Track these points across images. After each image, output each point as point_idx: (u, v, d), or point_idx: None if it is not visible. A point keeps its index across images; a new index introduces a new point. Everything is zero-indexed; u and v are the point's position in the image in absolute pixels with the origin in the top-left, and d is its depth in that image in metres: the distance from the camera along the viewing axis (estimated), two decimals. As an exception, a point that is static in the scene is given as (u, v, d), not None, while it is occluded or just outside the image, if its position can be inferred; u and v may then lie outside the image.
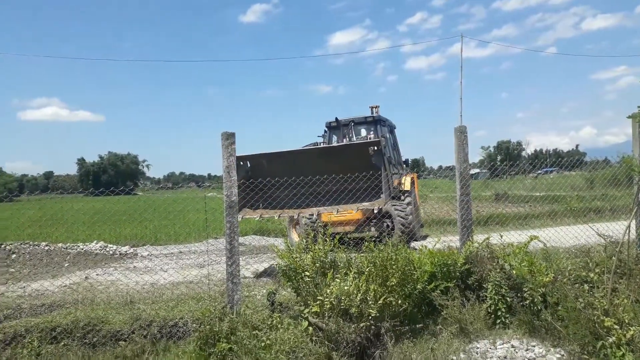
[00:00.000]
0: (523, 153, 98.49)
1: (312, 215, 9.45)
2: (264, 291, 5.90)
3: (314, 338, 4.38)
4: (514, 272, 4.87)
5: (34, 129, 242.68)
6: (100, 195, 6.65)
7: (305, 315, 4.59)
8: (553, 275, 4.57)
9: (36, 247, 11.05)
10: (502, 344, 4.42)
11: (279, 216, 8.23)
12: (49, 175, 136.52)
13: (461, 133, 5.73)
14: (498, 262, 5.08)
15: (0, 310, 6.12)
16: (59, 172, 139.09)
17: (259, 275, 8.05)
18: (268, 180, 6.97)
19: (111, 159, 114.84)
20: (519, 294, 4.77)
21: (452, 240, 6.05)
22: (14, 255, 10.43)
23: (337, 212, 7.88)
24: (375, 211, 8.27)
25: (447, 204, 18.05)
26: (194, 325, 5.20)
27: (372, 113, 12.23)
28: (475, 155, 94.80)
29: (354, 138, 11.49)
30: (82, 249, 11.27)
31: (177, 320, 5.47)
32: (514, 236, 6.62)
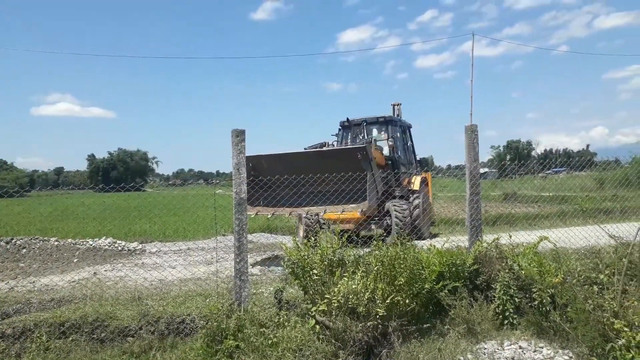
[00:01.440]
0: (533, 153, 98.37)
1: (316, 213, 9.56)
2: (272, 289, 5.90)
3: (320, 336, 4.38)
4: (523, 272, 4.84)
5: (46, 125, 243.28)
6: (110, 192, 6.68)
7: (313, 314, 4.59)
8: (562, 276, 4.54)
9: (46, 242, 11.12)
10: (510, 344, 4.40)
11: (273, 214, 8.52)
12: (59, 171, 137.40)
13: (472, 132, 5.69)
14: (507, 262, 5.05)
15: (10, 304, 6.17)
16: (69, 168, 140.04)
17: (258, 264, 8.16)
18: (268, 179, 7.15)
19: (121, 155, 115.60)
20: (527, 295, 4.75)
21: (461, 239, 6.02)
22: (24, 250, 10.53)
23: (325, 212, 8.11)
24: (359, 214, 8.48)
25: (456, 203, 17.97)
26: (202, 322, 5.21)
27: (393, 110, 12.62)
28: (484, 155, 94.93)
29: (366, 137, 11.58)
30: (91, 245, 11.34)
31: (184, 316, 5.47)
32: (523, 236, 6.58)
